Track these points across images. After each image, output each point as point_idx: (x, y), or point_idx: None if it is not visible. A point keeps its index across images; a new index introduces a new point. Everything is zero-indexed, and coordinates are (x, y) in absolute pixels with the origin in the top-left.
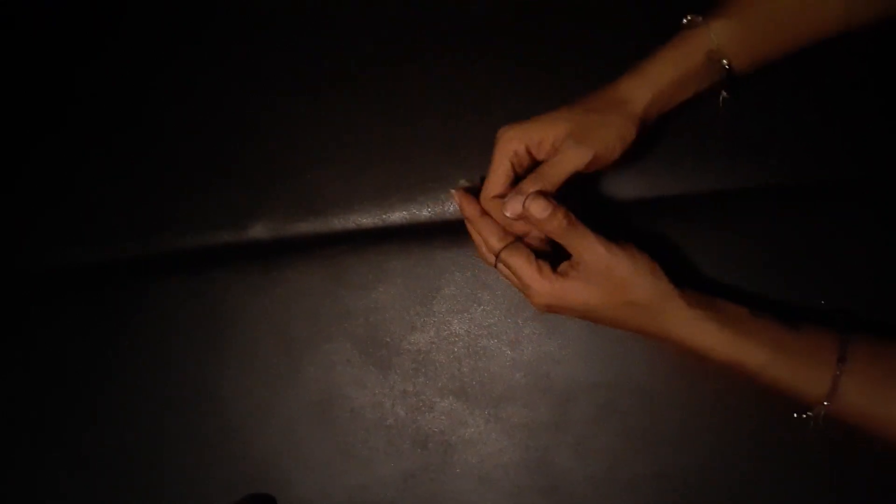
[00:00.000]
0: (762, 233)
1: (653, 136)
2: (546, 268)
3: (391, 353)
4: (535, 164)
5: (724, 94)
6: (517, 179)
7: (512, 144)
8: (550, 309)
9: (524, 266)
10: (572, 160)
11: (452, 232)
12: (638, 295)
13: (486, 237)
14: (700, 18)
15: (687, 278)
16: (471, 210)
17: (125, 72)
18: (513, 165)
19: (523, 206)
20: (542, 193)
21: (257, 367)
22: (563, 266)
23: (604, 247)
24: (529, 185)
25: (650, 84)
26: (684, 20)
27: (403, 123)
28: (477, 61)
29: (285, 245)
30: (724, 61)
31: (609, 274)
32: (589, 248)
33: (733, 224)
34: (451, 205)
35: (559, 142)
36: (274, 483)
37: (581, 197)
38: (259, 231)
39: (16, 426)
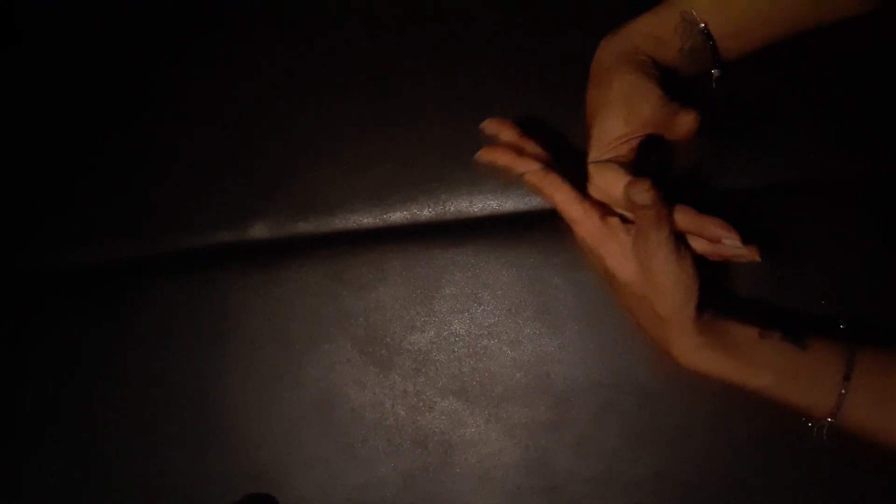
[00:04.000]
0: (762, 232)
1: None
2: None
3: (391, 352)
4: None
5: (715, 72)
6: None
7: (610, 176)
8: (589, 248)
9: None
10: (644, 122)
11: (453, 232)
12: (661, 301)
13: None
14: None
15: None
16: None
17: (125, 72)
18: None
19: (633, 192)
20: (651, 186)
21: (257, 366)
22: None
23: (673, 246)
24: (640, 192)
25: (624, 39)
26: None
27: (403, 123)
28: (477, 61)
29: (285, 245)
30: (702, 24)
31: (653, 271)
32: (660, 243)
33: (734, 223)
34: (452, 204)
35: (627, 138)
36: (274, 483)
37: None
38: (259, 231)
39: (16, 426)
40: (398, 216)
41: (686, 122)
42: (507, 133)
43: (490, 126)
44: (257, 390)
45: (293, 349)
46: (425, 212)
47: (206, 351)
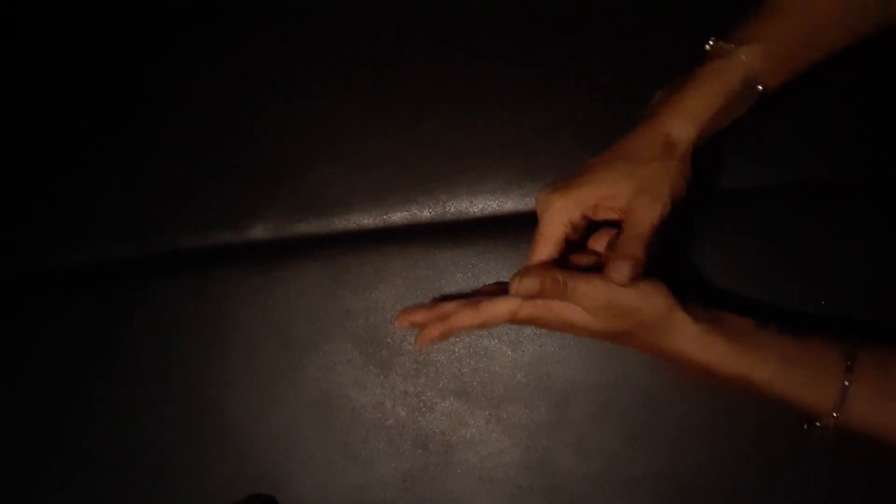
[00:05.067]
0: (763, 232)
1: None
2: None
3: (392, 353)
4: (590, 225)
5: None
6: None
7: (566, 215)
8: (562, 328)
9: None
10: (649, 220)
11: (453, 232)
12: (645, 317)
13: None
14: (731, 46)
15: (688, 277)
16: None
17: (125, 72)
18: (566, 235)
19: (514, 291)
20: (522, 273)
21: (258, 367)
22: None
23: (601, 282)
24: (633, 254)
25: (694, 121)
26: (708, 45)
27: (403, 124)
28: (477, 61)
29: (286, 245)
30: (760, 87)
31: (614, 305)
32: (589, 292)
33: (734, 223)
34: (452, 205)
35: (623, 202)
36: (274, 483)
37: None
38: (259, 231)
39: (15, 426)
40: (398, 217)
41: (616, 271)
42: (422, 313)
43: (404, 319)
44: (257, 390)
45: (293, 349)
46: (425, 212)
47: (206, 351)
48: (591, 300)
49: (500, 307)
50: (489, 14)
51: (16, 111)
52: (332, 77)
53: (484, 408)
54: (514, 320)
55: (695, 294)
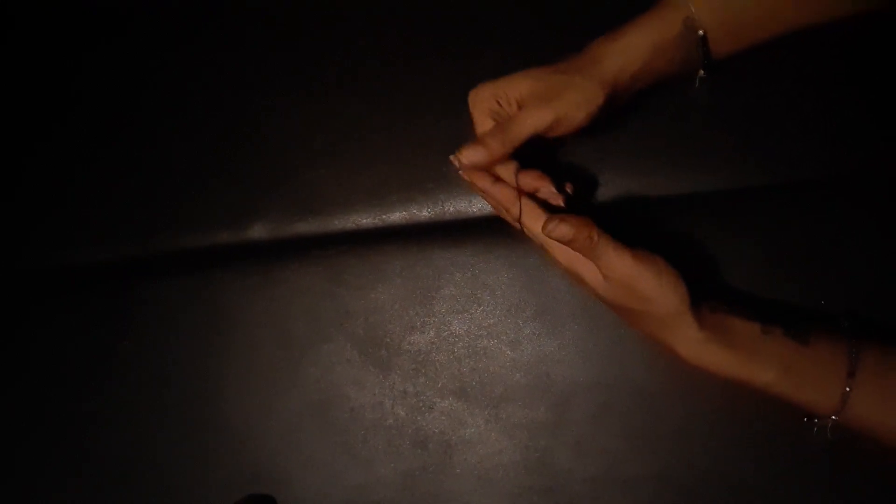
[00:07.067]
0: (762, 232)
1: (653, 134)
2: None
3: (391, 353)
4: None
5: (701, 72)
6: None
7: (485, 102)
8: (568, 274)
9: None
10: (532, 120)
11: (452, 232)
12: (654, 309)
13: (506, 206)
14: None
15: (686, 278)
16: (483, 182)
17: (124, 72)
18: (496, 122)
19: (546, 231)
20: (562, 218)
21: (257, 367)
22: None
23: (630, 259)
24: (490, 140)
25: (623, 48)
26: None
27: (403, 123)
28: (477, 61)
29: (285, 245)
30: (701, 31)
31: (631, 286)
32: (614, 262)
33: (733, 223)
34: (451, 205)
35: (524, 99)
36: (274, 483)
37: (587, 195)
38: (258, 231)
39: (15, 426)
40: (397, 216)
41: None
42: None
43: (464, 175)
44: (257, 390)
45: (292, 349)
46: (424, 212)
47: (205, 351)
48: (613, 270)
49: (535, 228)
50: (489, 14)
51: (16, 111)
52: (331, 77)
53: (483, 408)
54: (543, 245)
55: (700, 295)
